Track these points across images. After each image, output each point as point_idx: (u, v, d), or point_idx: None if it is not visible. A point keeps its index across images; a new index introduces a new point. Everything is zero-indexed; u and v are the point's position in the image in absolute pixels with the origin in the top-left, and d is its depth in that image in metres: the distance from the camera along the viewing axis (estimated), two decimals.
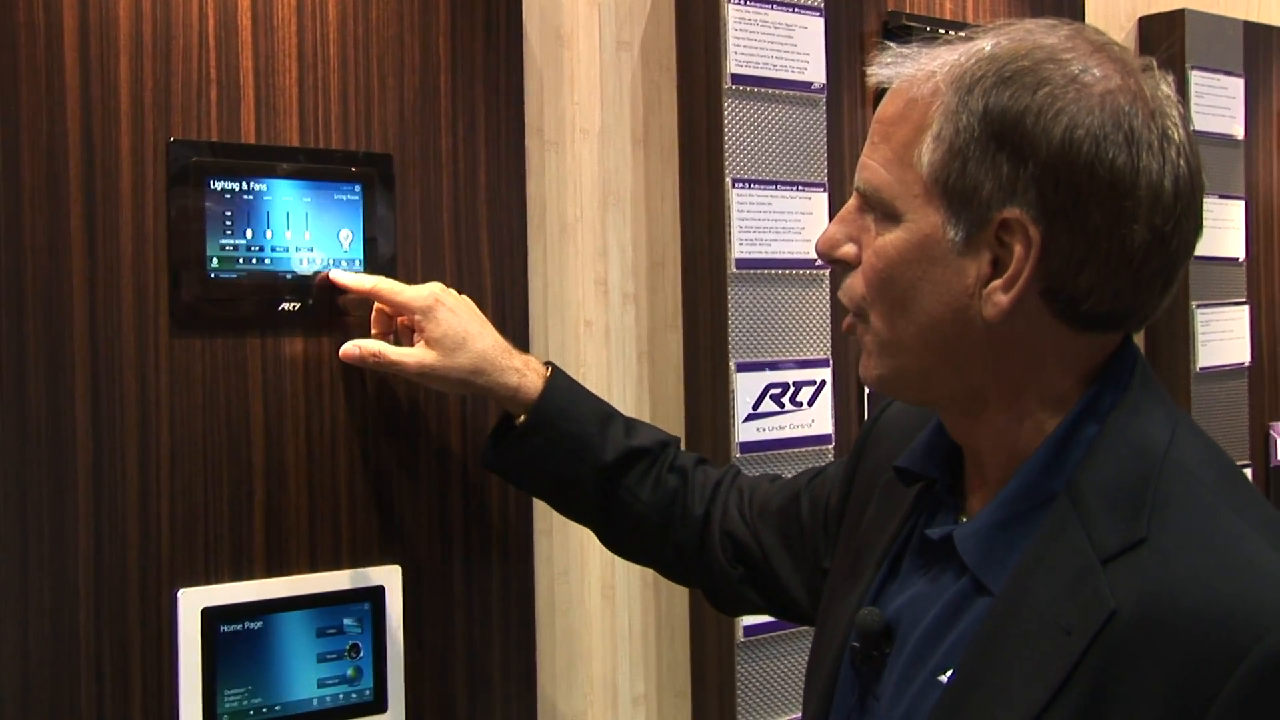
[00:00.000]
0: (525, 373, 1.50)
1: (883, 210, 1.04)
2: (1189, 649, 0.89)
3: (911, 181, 1.02)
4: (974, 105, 0.98)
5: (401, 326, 1.54)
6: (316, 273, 1.52)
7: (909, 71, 1.04)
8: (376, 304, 1.52)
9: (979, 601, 1.03)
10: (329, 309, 1.54)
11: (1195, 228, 1.01)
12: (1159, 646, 0.90)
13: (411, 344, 1.50)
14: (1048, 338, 1.02)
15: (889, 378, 1.10)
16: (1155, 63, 1.02)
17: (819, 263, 1.93)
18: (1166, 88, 1.00)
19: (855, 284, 1.08)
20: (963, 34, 1.04)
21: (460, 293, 1.57)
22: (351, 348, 1.48)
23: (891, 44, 1.08)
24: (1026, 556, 1.00)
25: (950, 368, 1.05)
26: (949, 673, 1.02)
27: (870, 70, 1.09)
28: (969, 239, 1.00)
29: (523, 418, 1.50)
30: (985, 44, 1.01)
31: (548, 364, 1.54)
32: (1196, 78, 2.64)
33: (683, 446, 1.90)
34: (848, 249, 1.09)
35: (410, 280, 1.57)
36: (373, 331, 1.53)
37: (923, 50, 1.05)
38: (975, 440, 1.10)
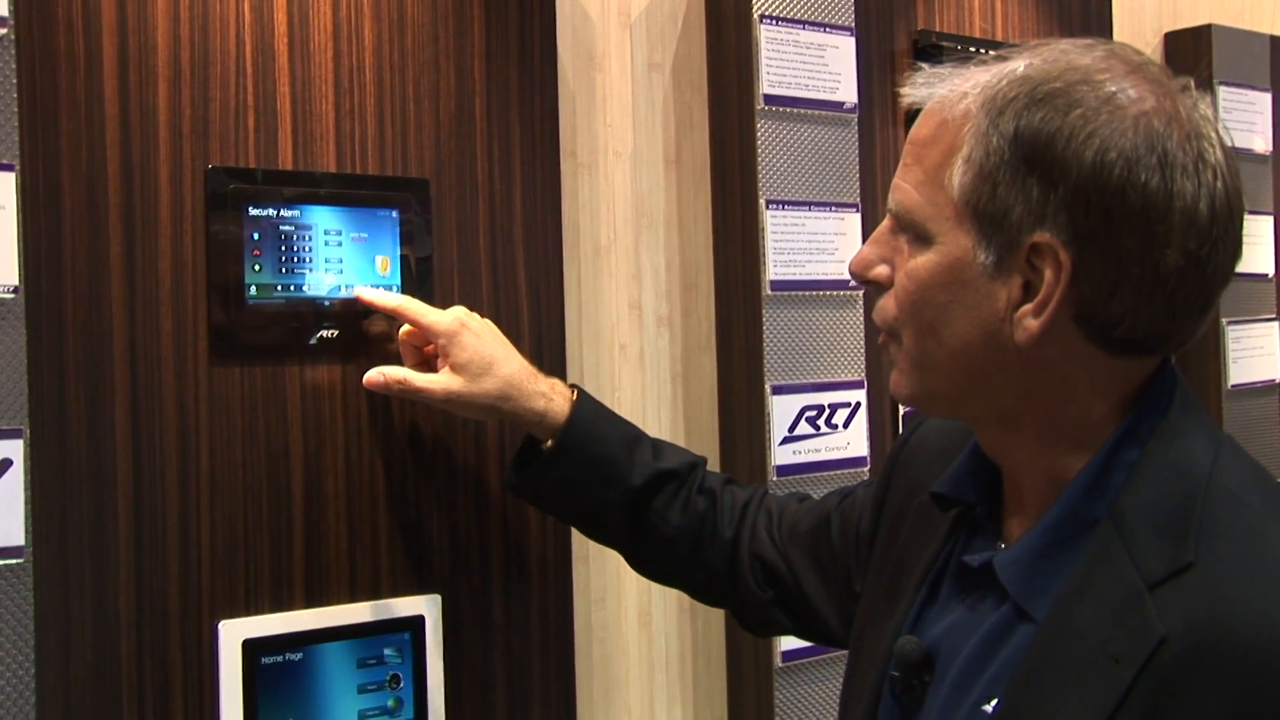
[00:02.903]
0: (551, 397, 1.48)
1: (915, 232, 1.03)
2: (1244, 676, 0.87)
3: (943, 204, 1.00)
4: (1005, 127, 0.96)
5: (427, 353, 1.52)
6: (351, 313, 1.51)
7: (942, 92, 1.03)
8: (402, 335, 1.50)
9: (1021, 629, 1.01)
10: (362, 336, 1.53)
11: (1233, 252, 0.98)
12: (1212, 674, 0.88)
13: (435, 370, 1.48)
14: (1081, 362, 1.00)
15: (920, 395, 1.08)
16: (1193, 83, 1.00)
17: (853, 284, 1.91)
18: (1205, 108, 0.98)
19: (888, 305, 1.07)
20: (997, 54, 1.03)
21: (498, 316, 1.56)
22: (376, 375, 1.46)
23: (924, 65, 1.07)
24: (1070, 583, 0.98)
25: (982, 391, 1.03)
26: (994, 702, 1.00)
27: (904, 91, 1.07)
28: (1000, 263, 0.98)
29: (549, 442, 1.48)
30: (1018, 65, 0.99)
31: (573, 386, 1.52)
32: (1224, 93, 2.63)
33: (718, 470, 1.90)
34: (880, 270, 1.08)
35: (448, 306, 1.56)
36: (405, 364, 1.50)
37: (956, 71, 1.03)
38: (1012, 462, 1.08)
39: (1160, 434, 1.00)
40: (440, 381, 1.45)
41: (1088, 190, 0.94)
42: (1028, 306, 0.98)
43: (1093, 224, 0.94)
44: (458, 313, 1.48)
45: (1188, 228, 0.94)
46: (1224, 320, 2.58)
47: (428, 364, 1.51)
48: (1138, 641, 0.91)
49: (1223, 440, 1.02)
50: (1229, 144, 0.98)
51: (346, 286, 1.51)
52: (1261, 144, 2.70)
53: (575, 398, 1.50)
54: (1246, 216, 1.01)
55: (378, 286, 1.52)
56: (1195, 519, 0.95)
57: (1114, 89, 0.96)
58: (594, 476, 1.48)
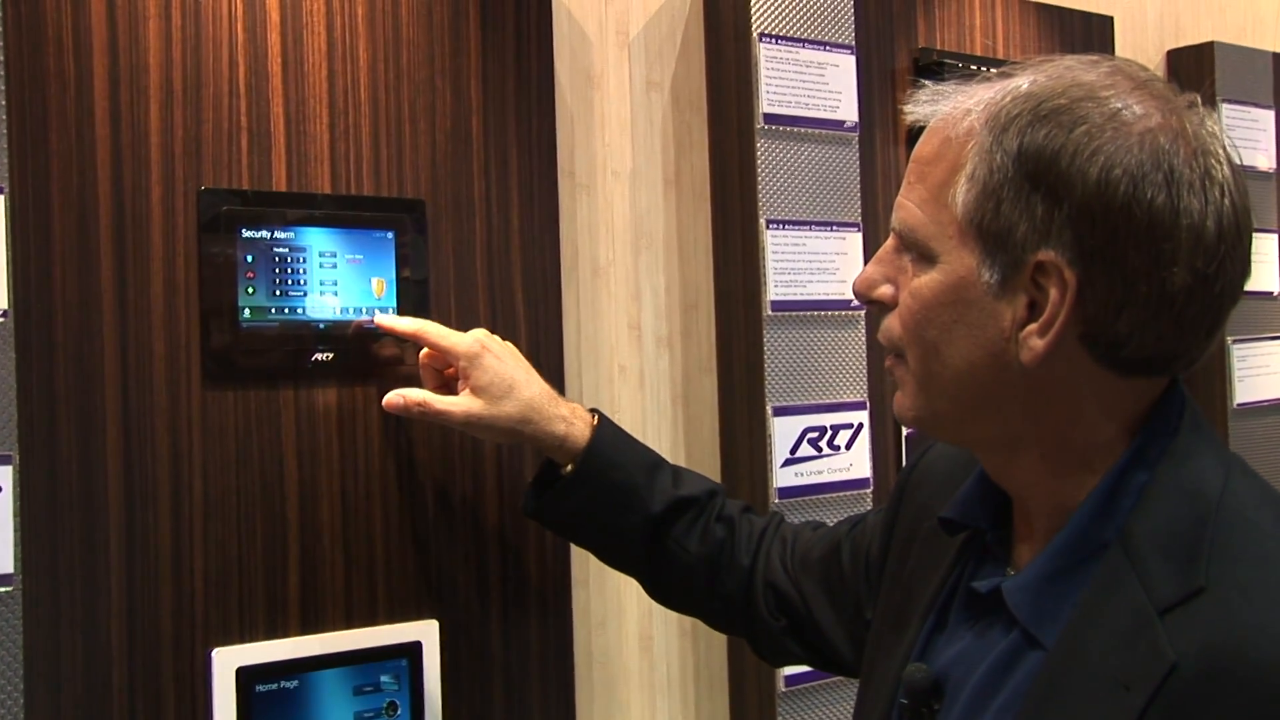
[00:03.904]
0: (572, 421, 1.46)
1: (918, 251, 1.02)
2: (1256, 703, 0.86)
3: (946, 222, 0.99)
4: (1008, 145, 0.95)
5: (447, 376, 1.50)
6: (351, 322, 1.49)
7: (945, 109, 1.02)
8: (422, 358, 1.48)
9: (1031, 656, 0.99)
10: (371, 360, 1.51)
11: (1242, 270, 0.97)
12: (1225, 701, 0.87)
13: (455, 393, 1.46)
14: (1088, 383, 0.98)
15: (925, 418, 1.07)
16: (1200, 99, 0.98)
17: (855, 304, 1.91)
18: (1211, 124, 0.97)
19: (892, 325, 1.06)
20: (1000, 70, 1.02)
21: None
22: (395, 397, 1.44)
23: (928, 82, 1.05)
24: (1080, 609, 0.97)
25: (987, 412, 1.02)
26: None
27: (907, 108, 1.06)
28: (1004, 281, 0.97)
29: (569, 467, 1.46)
30: (1022, 81, 0.98)
31: (593, 411, 1.51)
32: (1227, 110, 2.62)
33: None
34: (884, 290, 1.06)
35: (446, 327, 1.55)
36: (425, 386, 1.49)
37: (960, 88, 1.02)
38: (1019, 487, 1.06)
39: (1170, 456, 0.98)
40: (460, 404, 1.43)
41: (1093, 208, 0.92)
42: (1033, 326, 0.96)
43: (1098, 242, 0.93)
44: (478, 335, 1.47)
45: (1195, 245, 0.93)
46: (1229, 339, 2.56)
47: (448, 386, 1.49)
48: (1149, 668, 0.90)
49: (1233, 461, 1.01)
50: (1236, 161, 0.97)
51: (341, 309, 1.49)
52: (1265, 161, 2.69)
53: (596, 422, 1.49)
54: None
55: (373, 309, 1.51)
56: (1206, 542, 0.93)
57: (1119, 105, 0.95)
58: (613, 503, 1.46)
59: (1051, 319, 0.95)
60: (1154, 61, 2.72)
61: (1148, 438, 0.99)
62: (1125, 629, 0.92)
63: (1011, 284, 0.96)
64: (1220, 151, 0.96)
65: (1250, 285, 0.97)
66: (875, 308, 1.08)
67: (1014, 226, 0.95)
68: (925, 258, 1.01)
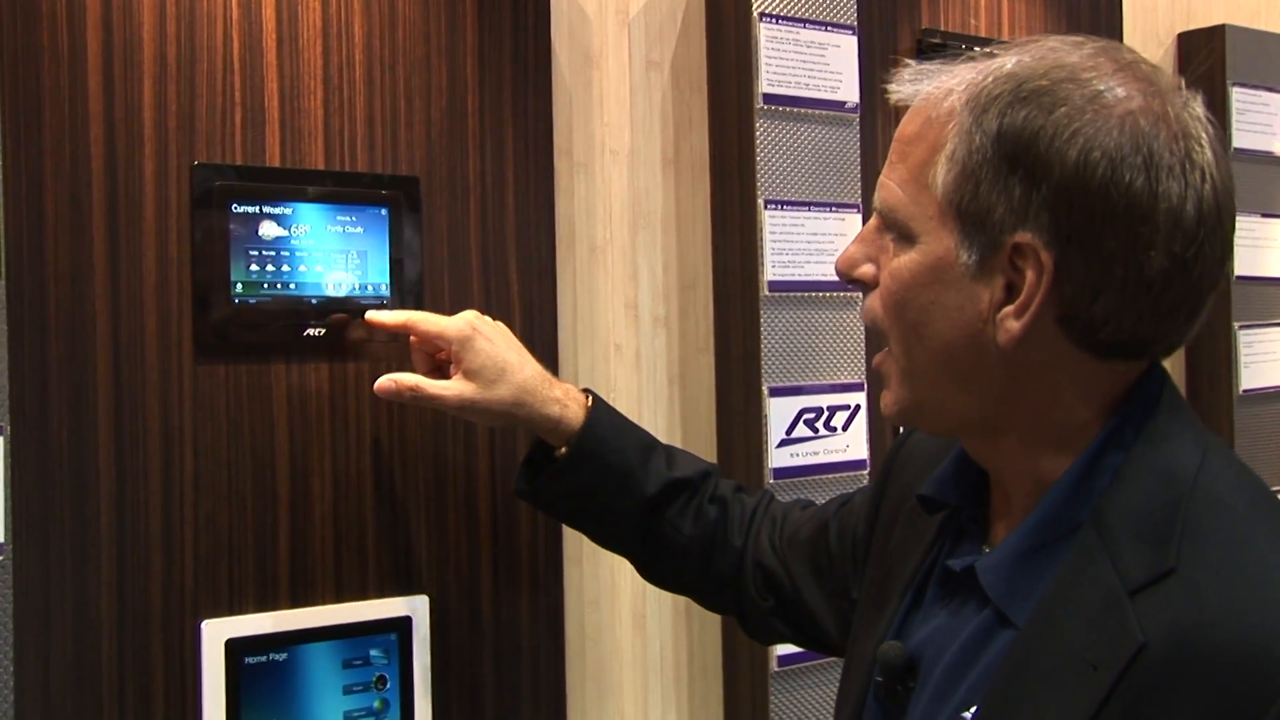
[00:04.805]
0: (566, 403, 1.45)
1: (899, 231, 1.02)
2: (1222, 685, 0.86)
3: (926, 203, 0.99)
4: (988, 125, 0.95)
5: (439, 360, 1.49)
6: (343, 315, 1.50)
7: (928, 89, 1.01)
8: (414, 340, 1.47)
9: (1002, 634, 0.99)
10: (354, 341, 1.52)
11: (1221, 255, 0.97)
12: (1190, 682, 0.87)
13: (448, 376, 1.45)
14: (1065, 365, 0.98)
15: (909, 410, 1.07)
16: (1184, 82, 0.98)
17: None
18: (1196, 108, 0.96)
19: (874, 305, 1.06)
20: (986, 50, 1.01)
21: (489, 316, 1.55)
22: (387, 382, 1.42)
23: (912, 61, 1.05)
24: (1051, 588, 0.97)
25: (966, 394, 1.02)
26: (973, 709, 0.98)
27: (890, 87, 1.06)
28: (982, 263, 0.97)
29: (564, 450, 1.46)
30: (1006, 62, 0.98)
31: (586, 391, 1.50)
32: (1237, 94, 2.60)
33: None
34: (866, 269, 1.06)
35: (438, 306, 1.55)
36: (417, 370, 1.48)
37: (944, 67, 1.02)
38: (998, 467, 1.07)
39: (1146, 437, 0.98)
40: (453, 388, 1.42)
41: (1070, 190, 0.92)
42: (1010, 308, 0.96)
43: (1075, 224, 0.93)
44: (469, 317, 1.45)
45: (1173, 230, 0.93)
46: (1235, 325, 2.55)
47: (440, 370, 1.48)
48: (1117, 648, 0.90)
49: (1210, 444, 1.00)
50: (1220, 146, 0.96)
51: (334, 285, 1.49)
52: (1278, 146, 2.66)
53: (590, 404, 1.48)
54: (1261, 220, 0.99)
55: (366, 285, 1.51)
56: (1178, 524, 0.93)
57: (1101, 87, 0.94)
58: (608, 485, 1.46)
59: (1028, 301, 0.95)
60: (1164, 44, 2.70)
61: (1124, 419, 0.99)
62: (1095, 609, 0.92)
63: (989, 265, 0.96)
64: (1203, 135, 0.95)
65: (1258, 270, 0.97)
66: (857, 287, 1.08)
67: (992, 208, 0.95)
68: (905, 238, 1.01)
